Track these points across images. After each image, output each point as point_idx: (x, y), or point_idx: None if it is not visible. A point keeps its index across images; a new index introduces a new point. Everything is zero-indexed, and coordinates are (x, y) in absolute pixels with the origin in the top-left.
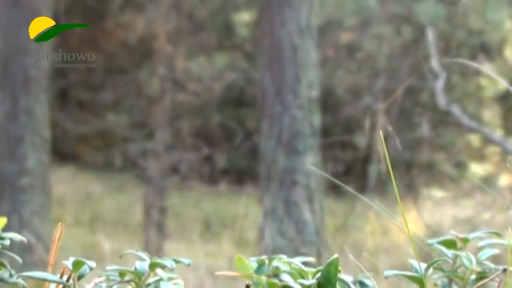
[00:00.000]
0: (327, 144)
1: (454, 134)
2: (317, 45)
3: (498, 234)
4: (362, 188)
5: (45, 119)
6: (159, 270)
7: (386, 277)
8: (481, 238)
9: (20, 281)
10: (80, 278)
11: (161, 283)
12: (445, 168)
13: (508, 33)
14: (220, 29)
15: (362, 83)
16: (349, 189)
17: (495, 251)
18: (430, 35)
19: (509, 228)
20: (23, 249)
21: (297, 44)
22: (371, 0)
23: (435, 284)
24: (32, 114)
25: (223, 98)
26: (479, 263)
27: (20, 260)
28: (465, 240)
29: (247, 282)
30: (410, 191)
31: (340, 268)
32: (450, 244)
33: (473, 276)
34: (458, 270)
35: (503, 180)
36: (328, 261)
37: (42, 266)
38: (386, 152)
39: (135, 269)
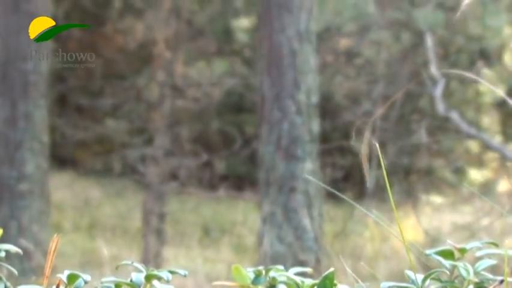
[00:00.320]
0: (325, 150)
1: (453, 140)
2: (316, 51)
3: (496, 245)
4: (361, 194)
5: (44, 124)
6: (155, 282)
7: None
8: (479, 248)
9: None
10: None
11: None
12: (444, 174)
13: (507, 39)
14: (219, 35)
15: (361, 89)
16: (345, 197)
17: (493, 262)
18: (429, 41)
19: (506, 240)
20: (22, 255)
21: (296, 50)
22: (370, 6)
23: None
24: (31, 120)
25: (223, 104)
26: (476, 273)
27: (15, 272)
28: (462, 251)
29: None
30: (409, 196)
31: (335, 282)
32: (447, 254)
33: (471, 287)
34: (456, 281)
35: (502, 186)
36: (324, 274)
37: (41, 272)
38: (382, 158)
39: (131, 280)
